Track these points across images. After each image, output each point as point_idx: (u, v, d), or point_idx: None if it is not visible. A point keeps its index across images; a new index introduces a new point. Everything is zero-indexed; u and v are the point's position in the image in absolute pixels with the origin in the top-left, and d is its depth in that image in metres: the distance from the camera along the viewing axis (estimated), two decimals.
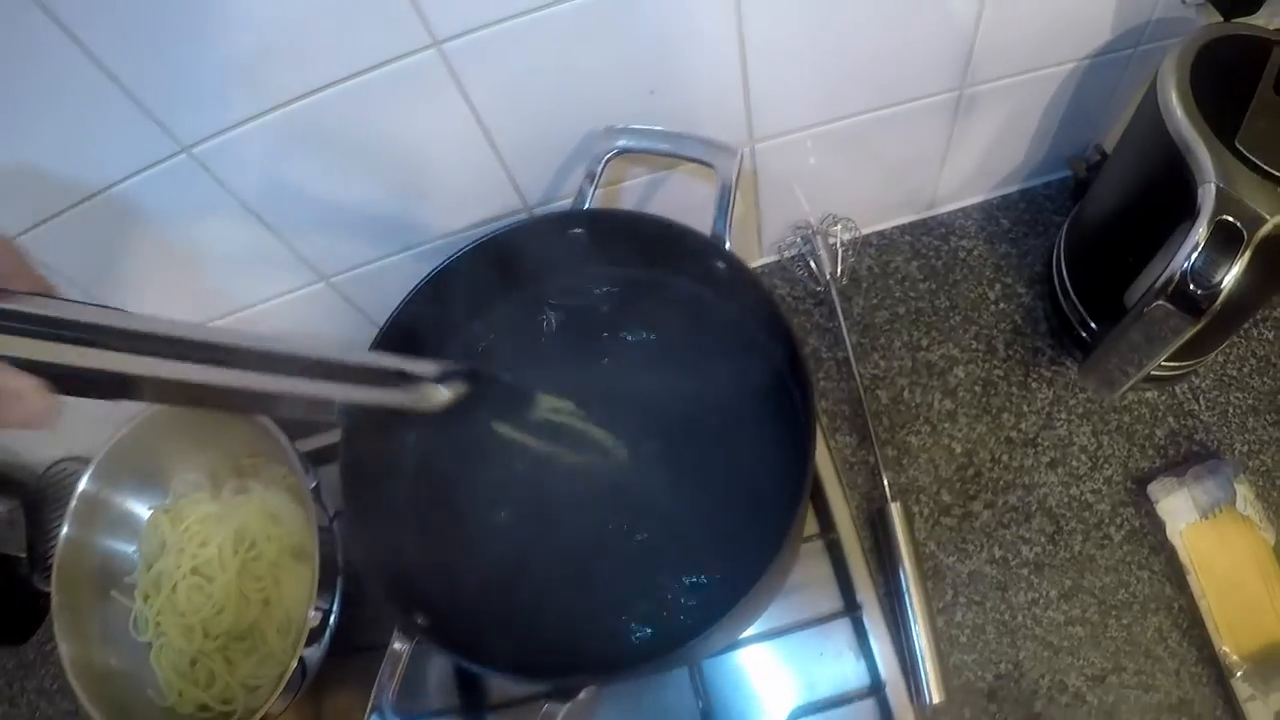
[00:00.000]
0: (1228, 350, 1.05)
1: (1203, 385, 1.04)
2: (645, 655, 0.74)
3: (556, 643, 0.80)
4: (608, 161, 0.84)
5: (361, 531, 0.76)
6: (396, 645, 0.72)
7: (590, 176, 0.84)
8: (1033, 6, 0.86)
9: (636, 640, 0.79)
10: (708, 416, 0.86)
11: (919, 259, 1.13)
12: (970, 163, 1.07)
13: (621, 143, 0.84)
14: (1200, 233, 0.70)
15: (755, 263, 1.16)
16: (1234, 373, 1.04)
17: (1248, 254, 0.70)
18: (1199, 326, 0.73)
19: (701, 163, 0.83)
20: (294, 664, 0.88)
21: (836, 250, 1.07)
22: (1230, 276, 0.70)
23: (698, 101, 0.87)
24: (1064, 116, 1.03)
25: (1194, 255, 0.70)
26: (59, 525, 1.06)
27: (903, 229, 1.15)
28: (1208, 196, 0.71)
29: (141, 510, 1.09)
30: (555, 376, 0.87)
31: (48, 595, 1.25)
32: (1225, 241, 0.70)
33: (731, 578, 0.77)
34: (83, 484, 1.04)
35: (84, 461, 1.22)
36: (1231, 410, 1.02)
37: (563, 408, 0.83)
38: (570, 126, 0.87)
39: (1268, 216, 0.70)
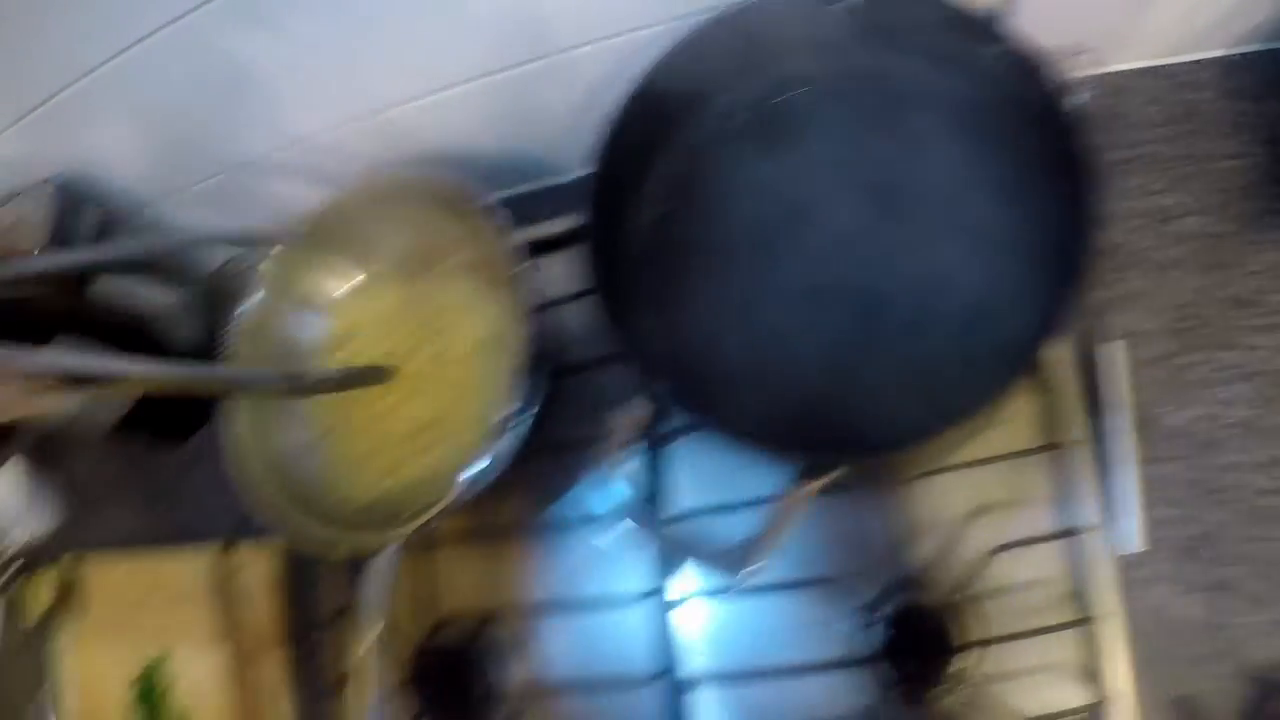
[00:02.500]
0: None
1: None
2: (885, 444, 0.72)
3: (794, 424, 0.78)
4: None
5: (603, 290, 0.74)
6: (637, 410, 0.71)
7: None
8: None
9: (877, 429, 0.77)
10: (964, 227, 0.83)
11: (1155, 104, 1.07)
12: (1220, 8, 1.02)
13: None
14: None
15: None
16: None
17: None
18: None
19: None
20: (487, 454, 0.87)
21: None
22: None
23: None
24: None
25: None
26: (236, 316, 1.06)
27: (1140, 72, 1.09)
28: None
29: (329, 288, 1.08)
30: (800, 163, 0.84)
31: None
32: None
33: (974, 382, 0.74)
34: (274, 253, 1.03)
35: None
36: None
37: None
38: None
39: None
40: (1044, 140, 0.77)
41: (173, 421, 1.31)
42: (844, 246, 0.84)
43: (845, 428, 0.77)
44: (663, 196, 0.86)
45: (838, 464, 0.66)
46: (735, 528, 0.71)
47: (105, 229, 1.08)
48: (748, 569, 0.65)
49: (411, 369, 0.99)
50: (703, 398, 0.72)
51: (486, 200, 0.93)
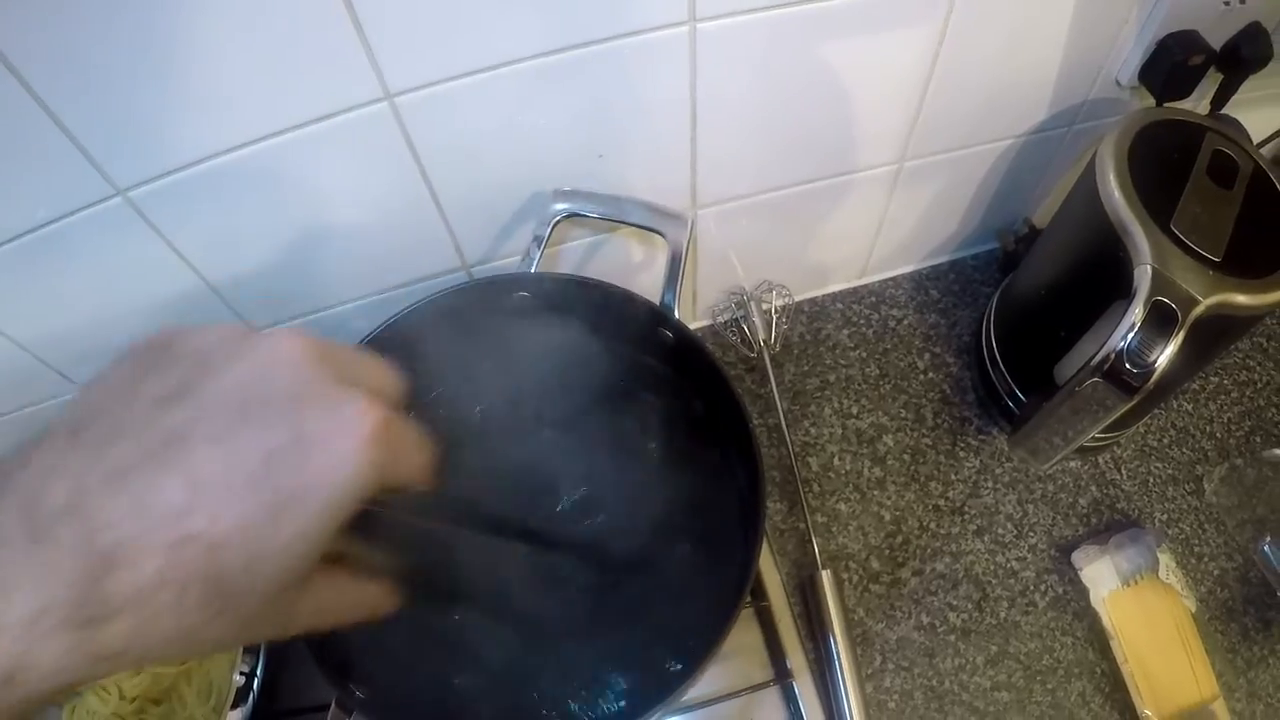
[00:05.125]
0: (1148, 422, 1.08)
1: (1124, 455, 1.06)
2: None
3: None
4: (555, 224, 0.84)
5: None
6: (334, 717, 0.70)
7: (537, 239, 0.84)
8: (975, 83, 0.89)
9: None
10: (649, 492, 0.86)
11: (850, 327, 1.14)
12: (904, 233, 1.09)
13: (571, 206, 0.84)
14: (1136, 313, 0.73)
15: (690, 326, 1.16)
16: (1154, 443, 1.07)
17: (1181, 334, 0.72)
18: (1132, 403, 0.75)
19: (652, 230, 0.84)
20: None
21: (770, 317, 1.08)
22: (1165, 356, 0.72)
23: (646, 166, 0.87)
24: (996, 190, 1.06)
25: (1130, 335, 0.73)
26: None
27: (835, 296, 1.16)
28: (1144, 278, 0.74)
29: None
30: (490, 443, 0.86)
31: None
32: (1160, 322, 0.73)
33: (669, 662, 0.76)
34: None
35: None
36: (1152, 480, 1.05)
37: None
38: (516, 187, 0.86)
39: (1200, 298, 0.73)
40: (710, 404, 0.81)
41: None
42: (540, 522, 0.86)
43: None
44: None
45: None
46: None
47: None
48: None
49: None
50: (390, 705, 0.72)
51: None
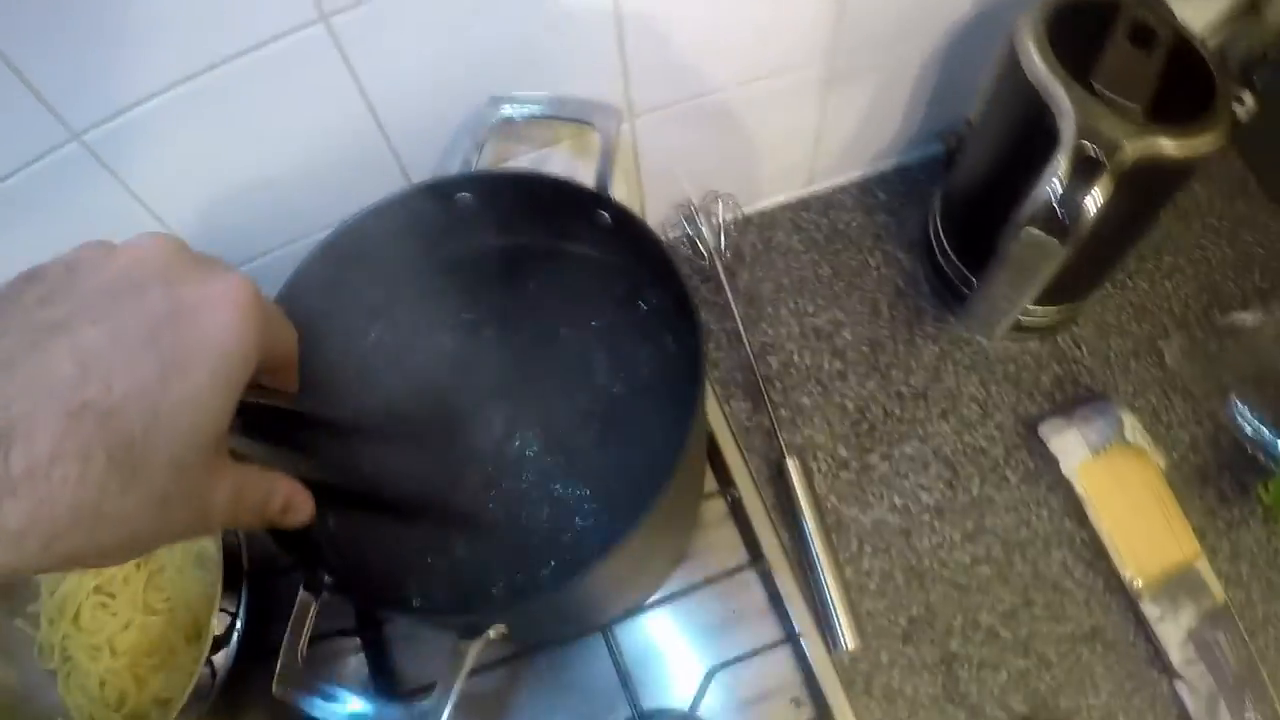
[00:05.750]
0: (1104, 300, 1.10)
1: (1083, 334, 1.08)
2: (548, 588, 0.77)
3: (460, 585, 0.80)
4: (492, 128, 0.86)
5: None
6: (302, 600, 0.71)
7: (476, 144, 0.85)
8: None
9: (540, 577, 0.80)
10: (599, 372, 0.88)
11: (800, 233, 1.16)
12: (845, 137, 1.11)
13: (505, 109, 0.85)
14: (1063, 160, 0.75)
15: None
16: (1112, 320, 1.09)
17: (1107, 178, 0.74)
18: (1068, 251, 0.77)
19: (583, 122, 0.85)
20: (199, 668, 0.87)
21: (719, 227, 1.09)
22: (1092, 198, 0.74)
23: (577, 74, 0.88)
24: (933, 91, 1.08)
25: (1057, 181, 0.75)
26: None
27: (783, 206, 1.18)
28: (1068, 127, 0.76)
29: None
30: (443, 342, 0.88)
31: None
32: (1086, 167, 0.74)
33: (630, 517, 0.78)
34: None
35: None
36: (1113, 355, 1.07)
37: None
38: (455, 102, 0.87)
39: (1124, 142, 0.74)
40: (660, 289, 0.84)
41: None
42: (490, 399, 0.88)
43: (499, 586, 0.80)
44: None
45: (487, 622, 0.68)
46: None
47: None
48: None
49: (127, 596, 0.98)
50: (356, 580, 0.73)
51: None
